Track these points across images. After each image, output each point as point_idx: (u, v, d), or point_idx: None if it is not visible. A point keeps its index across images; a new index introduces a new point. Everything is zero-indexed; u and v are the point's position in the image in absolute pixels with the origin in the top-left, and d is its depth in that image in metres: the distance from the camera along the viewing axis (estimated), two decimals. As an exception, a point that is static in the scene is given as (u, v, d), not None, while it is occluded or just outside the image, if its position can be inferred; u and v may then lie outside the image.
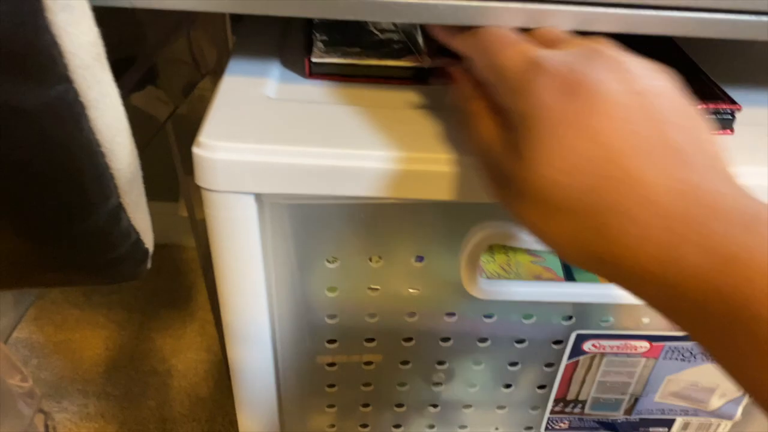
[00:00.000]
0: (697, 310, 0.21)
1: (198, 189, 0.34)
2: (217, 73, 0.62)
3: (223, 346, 0.91)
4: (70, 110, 0.23)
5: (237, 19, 0.49)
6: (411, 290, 0.41)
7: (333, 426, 0.49)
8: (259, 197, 0.34)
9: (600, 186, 0.23)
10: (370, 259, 0.38)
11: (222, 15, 0.59)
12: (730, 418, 0.48)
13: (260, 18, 0.46)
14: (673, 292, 0.22)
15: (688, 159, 0.23)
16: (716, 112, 0.36)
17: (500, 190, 0.27)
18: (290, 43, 0.44)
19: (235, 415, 0.46)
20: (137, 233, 0.30)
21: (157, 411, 0.88)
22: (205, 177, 0.33)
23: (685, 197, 0.22)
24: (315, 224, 0.37)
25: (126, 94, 0.50)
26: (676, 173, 0.22)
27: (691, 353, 0.44)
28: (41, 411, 0.25)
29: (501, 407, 0.49)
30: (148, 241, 0.32)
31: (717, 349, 0.22)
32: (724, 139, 0.36)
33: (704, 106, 0.36)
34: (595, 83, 0.23)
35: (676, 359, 0.44)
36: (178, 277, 0.97)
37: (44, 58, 0.21)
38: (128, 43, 0.52)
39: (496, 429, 0.50)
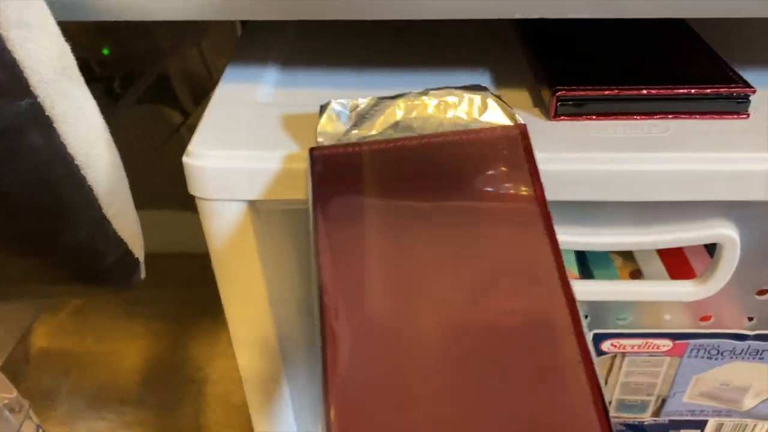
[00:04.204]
0: None
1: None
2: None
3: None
4: (37, 125, 0.23)
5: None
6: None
7: None
8: (253, 204, 0.34)
9: None
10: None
11: (232, 26, 0.59)
12: (766, 418, 0.46)
13: (261, 26, 0.46)
14: None
15: None
16: (730, 96, 0.34)
17: None
18: (286, 46, 0.43)
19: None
20: (125, 243, 0.30)
21: (194, 419, 0.89)
22: (196, 185, 0.33)
23: None
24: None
25: (137, 102, 0.51)
26: None
27: (718, 351, 0.41)
28: (29, 419, 0.25)
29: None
30: (138, 250, 0.32)
31: None
32: (738, 124, 0.34)
33: (717, 89, 0.34)
34: None
35: (703, 357, 0.42)
36: (213, 287, 0.99)
37: (4, 75, 0.21)
38: (139, 54, 0.53)
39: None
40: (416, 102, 0.32)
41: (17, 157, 0.23)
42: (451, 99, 0.32)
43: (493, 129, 0.31)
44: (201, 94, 0.58)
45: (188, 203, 0.34)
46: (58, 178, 0.25)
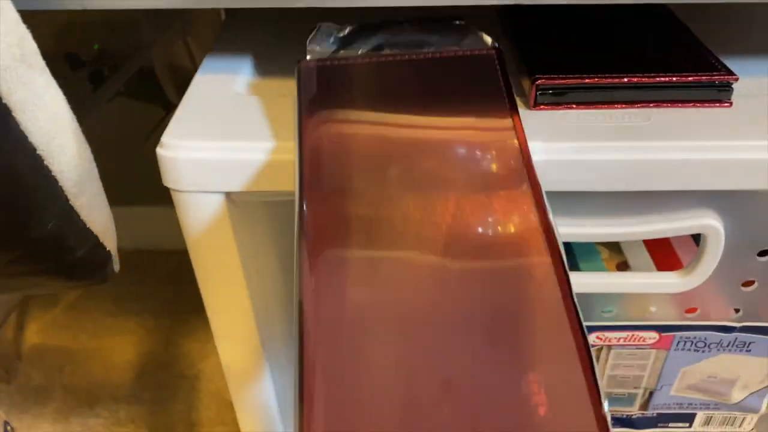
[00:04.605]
0: None
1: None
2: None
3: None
4: (-7, 113, 0.22)
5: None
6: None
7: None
8: (229, 196, 0.33)
9: None
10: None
11: (218, 18, 0.59)
12: (754, 411, 0.45)
13: (242, 17, 0.46)
14: None
15: None
16: (712, 84, 0.33)
17: None
18: (267, 37, 0.43)
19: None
20: (95, 236, 0.29)
21: (186, 415, 0.89)
22: (170, 177, 0.32)
23: None
24: (289, 222, 0.36)
25: (122, 94, 0.51)
26: None
27: (704, 343, 0.41)
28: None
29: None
30: (110, 243, 0.31)
31: None
32: (720, 112, 0.33)
33: (699, 77, 0.33)
34: None
35: (689, 350, 0.41)
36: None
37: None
38: (126, 48, 0.53)
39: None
40: (399, 28, 0.34)
41: (-25, 146, 0.22)
42: (433, 26, 0.34)
43: (472, 50, 0.33)
44: (185, 87, 0.58)
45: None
46: (20, 168, 0.24)
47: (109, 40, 0.52)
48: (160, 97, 0.56)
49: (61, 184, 0.26)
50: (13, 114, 0.23)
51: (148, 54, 0.54)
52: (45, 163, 0.25)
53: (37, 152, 0.24)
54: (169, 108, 0.55)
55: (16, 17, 0.23)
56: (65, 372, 0.94)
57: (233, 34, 0.43)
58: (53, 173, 0.25)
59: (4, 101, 0.23)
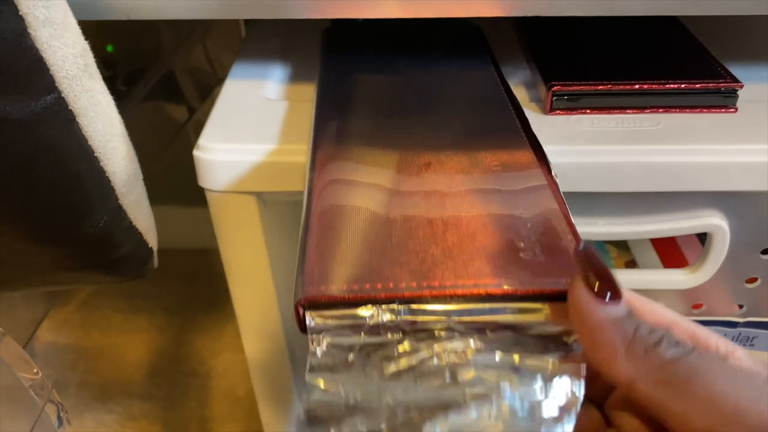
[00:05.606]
0: None
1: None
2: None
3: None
4: (60, 119, 0.24)
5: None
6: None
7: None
8: (260, 196, 0.35)
9: None
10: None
11: (236, 22, 0.60)
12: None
13: (266, 22, 0.47)
14: None
15: None
16: (718, 90, 0.35)
17: None
18: (294, 45, 0.45)
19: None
20: (140, 233, 0.31)
21: (198, 411, 0.90)
22: (206, 178, 0.34)
23: None
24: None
25: (142, 99, 0.53)
26: None
27: (709, 338, 0.43)
28: (52, 401, 0.26)
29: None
30: (152, 240, 0.33)
31: None
32: (726, 118, 0.35)
33: (706, 84, 0.35)
34: None
35: (695, 344, 0.43)
36: (216, 281, 0.99)
37: (30, 72, 0.23)
38: (143, 52, 0.55)
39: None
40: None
41: (42, 149, 0.24)
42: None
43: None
44: (205, 91, 0.59)
45: (192, 199, 0.36)
46: (79, 170, 0.26)
47: (127, 46, 0.54)
48: (181, 100, 0.58)
49: (113, 184, 0.28)
50: (77, 119, 0.25)
51: (169, 59, 0.56)
52: (101, 164, 0.27)
53: (95, 154, 0.26)
54: (190, 111, 0.56)
55: (78, 29, 0.25)
56: (78, 369, 0.95)
57: (258, 40, 0.45)
58: (107, 174, 0.27)
59: (70, 107, 0.24)
